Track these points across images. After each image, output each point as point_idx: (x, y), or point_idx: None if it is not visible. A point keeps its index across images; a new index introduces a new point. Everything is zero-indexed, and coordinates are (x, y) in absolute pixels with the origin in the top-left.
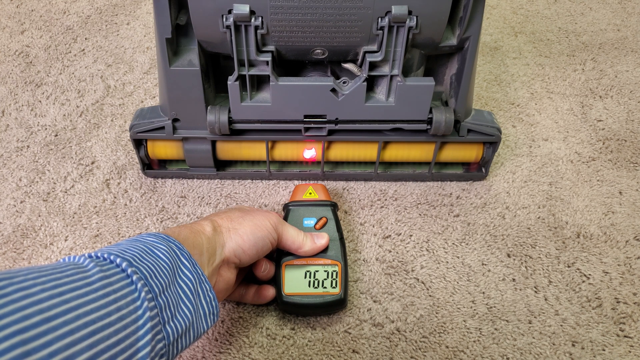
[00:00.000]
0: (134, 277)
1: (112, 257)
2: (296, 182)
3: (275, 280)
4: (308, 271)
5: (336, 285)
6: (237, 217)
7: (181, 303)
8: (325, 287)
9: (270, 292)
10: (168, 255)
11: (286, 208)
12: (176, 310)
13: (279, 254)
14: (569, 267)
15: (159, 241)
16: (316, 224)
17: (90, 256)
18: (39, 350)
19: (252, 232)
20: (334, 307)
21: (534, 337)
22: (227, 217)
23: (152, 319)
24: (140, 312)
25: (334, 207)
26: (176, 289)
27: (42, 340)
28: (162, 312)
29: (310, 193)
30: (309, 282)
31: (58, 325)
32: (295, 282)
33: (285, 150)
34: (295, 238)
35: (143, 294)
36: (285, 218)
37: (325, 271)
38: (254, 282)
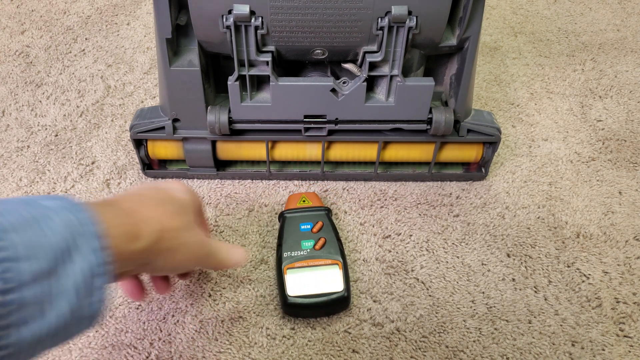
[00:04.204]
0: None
1: None
2: (296, 182)
3: (278, 285)
4: (309, 272)
5: (339, 283)
6: (182, 237)
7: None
8: (328, 287)
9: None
10: (61, 234)
11: (282, 216)
12: (42, 309)
13: (278, 258)
14: (568, 267)
15: (60, 209)
16: (313, 227)
17: None
18: None
19: (186, 260)
20: (339, 305)
21: (533, 337)
22: (174, 232)
23: None
24: None
25: (328, 212)
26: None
27: None
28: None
29: (303, 200)
30: (312, 283)
31: None
32: (298, 284)
33: (285, 150)
34: (220, 263)
35: None
36: (282, 226)
37: (326, 271)
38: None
